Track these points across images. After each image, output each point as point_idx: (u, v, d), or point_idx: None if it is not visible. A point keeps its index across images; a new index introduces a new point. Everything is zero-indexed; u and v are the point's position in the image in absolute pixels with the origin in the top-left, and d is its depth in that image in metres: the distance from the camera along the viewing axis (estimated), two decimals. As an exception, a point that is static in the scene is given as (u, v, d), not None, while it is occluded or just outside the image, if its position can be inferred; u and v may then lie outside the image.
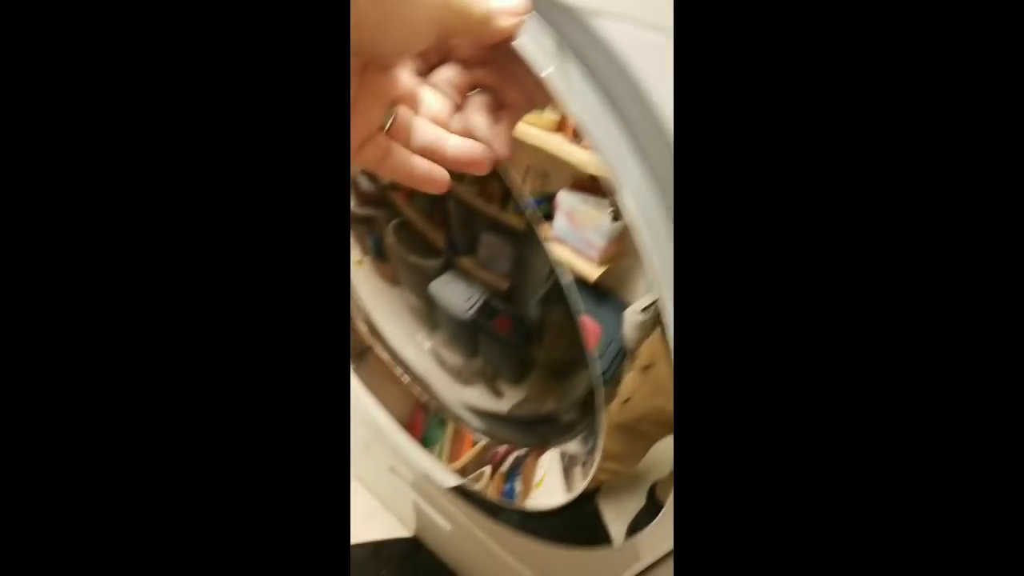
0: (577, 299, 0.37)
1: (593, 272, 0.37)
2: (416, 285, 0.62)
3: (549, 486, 0.50)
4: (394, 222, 0.62)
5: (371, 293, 0.70)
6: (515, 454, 0.56)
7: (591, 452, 0.44)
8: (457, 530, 0.79)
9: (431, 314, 0.62)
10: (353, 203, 0.67)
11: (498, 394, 0.60)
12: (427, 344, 0.66)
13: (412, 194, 0.59)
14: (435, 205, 0.55)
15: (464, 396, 0.64)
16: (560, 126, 0.37)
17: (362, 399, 0.70)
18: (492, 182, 0.46)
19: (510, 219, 0.46)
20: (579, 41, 0.33)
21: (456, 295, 0.55)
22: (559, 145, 0.37)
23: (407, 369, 0.68)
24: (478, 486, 0.58)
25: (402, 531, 1.03)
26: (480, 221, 0.49)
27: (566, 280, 0.38)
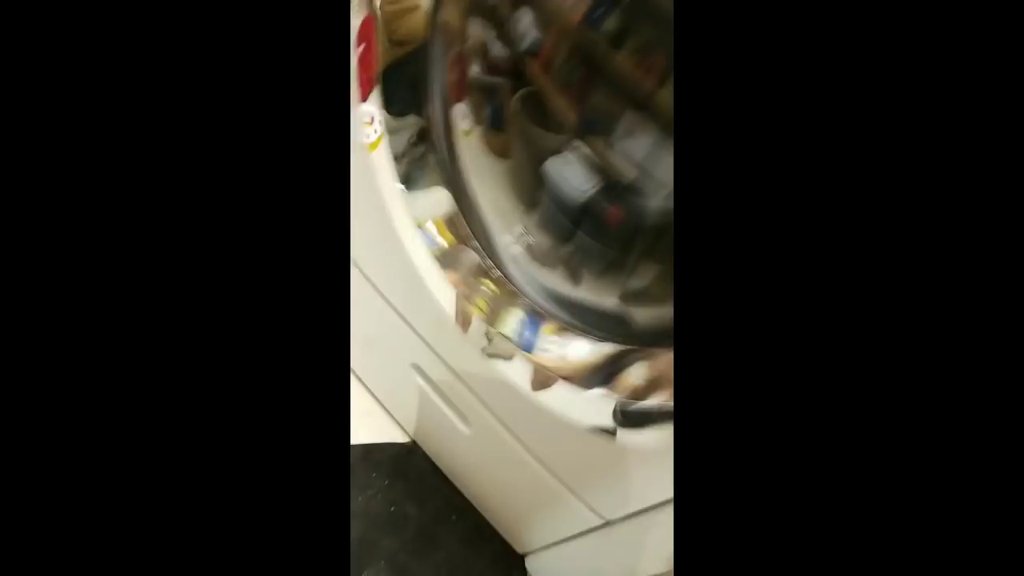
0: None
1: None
2: (529, 159, 0.61)
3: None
4: (523, 91, 0.61)
5: (472, 164, 0.70)
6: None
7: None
8: (477, 434, 0.80)
9: (535, 191, 0.62)
10: (477, 70, 0.65)
11: (576, 281, 0.60)
12: (519, 226, 0.66)
13: (550, 63, 0.57)
14: (577, 77, 0.53)
15: (538, 276, 0.63)
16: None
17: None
18: (657, 53, 0.44)
19: (664, 100, 0.44)
20: None
21: (574, 175, 0.54)
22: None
23: (490, 249, 0.68)
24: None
25: (399, 435, 1.01)
26: (628, 98, 0.47)
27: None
